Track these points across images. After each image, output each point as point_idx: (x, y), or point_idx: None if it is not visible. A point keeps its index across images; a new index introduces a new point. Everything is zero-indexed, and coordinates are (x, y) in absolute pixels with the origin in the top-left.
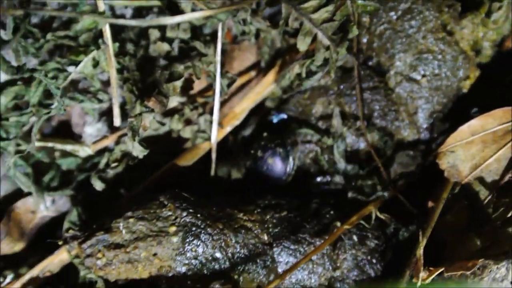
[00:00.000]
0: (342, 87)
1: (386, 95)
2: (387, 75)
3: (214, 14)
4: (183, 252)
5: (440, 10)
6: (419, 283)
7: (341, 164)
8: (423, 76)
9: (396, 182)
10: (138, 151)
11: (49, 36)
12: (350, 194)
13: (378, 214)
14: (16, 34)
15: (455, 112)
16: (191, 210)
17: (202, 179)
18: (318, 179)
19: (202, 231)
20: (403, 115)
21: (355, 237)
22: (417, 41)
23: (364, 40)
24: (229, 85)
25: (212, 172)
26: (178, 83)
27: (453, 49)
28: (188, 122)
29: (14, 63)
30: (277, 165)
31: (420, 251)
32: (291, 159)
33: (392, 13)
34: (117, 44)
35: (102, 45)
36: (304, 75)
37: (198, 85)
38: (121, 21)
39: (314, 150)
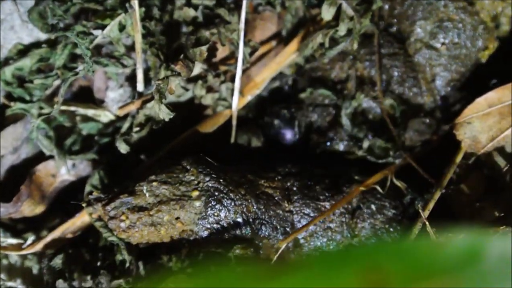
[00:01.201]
0: (361, 52)
1: (405, 61)
2: (407, 42)
3: None
4: (205, 216)
5: None
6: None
7: (347, 126)
8: (443, 44)
9: (412, 149)
10: (165, 114)
11: None
12: (360, 153)
13: (394, 179)
14: None
15: (473, 83)
16: (213, 175)
17: (222, 146)
18: (336, 142)
19: (225, 196)
20: (421, 82)
21: (373, 206)
22: (438, 9)
23: (386, 7)
24: (251, 54)
25: (232, 139)
26: (205, 48)
27: (473, 19)
28: (209, 89)
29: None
30: (283, 127)
31: (425, 215)
32: (296, 121)
33: None
34: (143, 9)
35: (129, 9)
36: (327, 44)
37: (220, 53)
38: None
39: (331, 113)
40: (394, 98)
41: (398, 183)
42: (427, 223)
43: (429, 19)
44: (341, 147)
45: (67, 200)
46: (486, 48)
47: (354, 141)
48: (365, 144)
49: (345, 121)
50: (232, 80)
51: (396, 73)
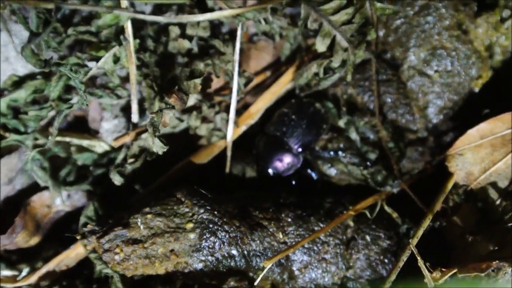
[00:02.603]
0: (355, 77)
1: (399, 88)
2: (401, 69)
3: (242, 12)
4: (200, 248)
5: (456, 8)
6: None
7: (357, 142)
8: (436, 71)
9: (407, 177)
10: (158, 147)
11: (70, 31)
12: (364, 172)
13: (385, 206)
14: (43, 29)
15: (466, 111)
16: (208, 207)
17: (216, 177)
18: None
19: (219, 228)
20: (414, 109)
21: (367, 237)
22: (432, 37)
23: (381, 34)
24: (246, 84)
25: (227, 170)
26: (199, 81)
27: (467, 48)
28: (204, 120)
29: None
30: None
31: (413, 242)
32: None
33: (409, 9)
34: (137, 41)
35: (123, 41)
36: (321, 75)
37: (215, 84)
38: (145, 17)
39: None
40: (389, 128)
41: (388, 210)
42: (415, 250)
43: (423, 46)
44: (333, 172)
45: (62, 230)
46: (480, 77)
47: (359, 161)
48: (370, 169)
49: (355, 136)
50: (227, 110)
51: (389, 100)
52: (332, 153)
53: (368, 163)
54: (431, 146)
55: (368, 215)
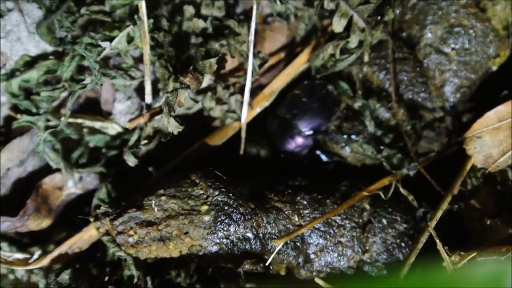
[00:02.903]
0: (372, 55)
1: (415, 66)
2: (417, 47)
3: None
4: (214, 231)
5: None
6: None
7: (371, 128)
8: (453, 49)
9: (424, 158)
10: (174, 127)
11: (83, 10)
12: (379, 156)
13: (400, 188)
14: (57, 7)
15: (483, 93)
16: (223, 189)
17: (231, 159)
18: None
19: (234, 211)
20: (430, 88)
21: (384, 221)
22: (449, 15)
23: (397, 12)
24: (260, 66)
25: (241, 152)
26: (214, 61)
27: (484, 25)
28: (218, 101)
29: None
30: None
31: (432, 225)
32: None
33: None
34: (151, 20)
35: (137, 20)
36: (338, 56)
37: (229, 65)
38: None
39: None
40: (405, 108)
41: (404, 191)
42: (433, 233)
43: (440, 24)
44: (347, 151)
45: (74, 213)
46: (497, 56)
47: (373, 144)
48: (385, 152)
49: (369, 121)
50: (241, 92)
51: (405, 78)
52: (345, 136)
53: (382, 146)
54: (448, 125)
55: (383, 196)
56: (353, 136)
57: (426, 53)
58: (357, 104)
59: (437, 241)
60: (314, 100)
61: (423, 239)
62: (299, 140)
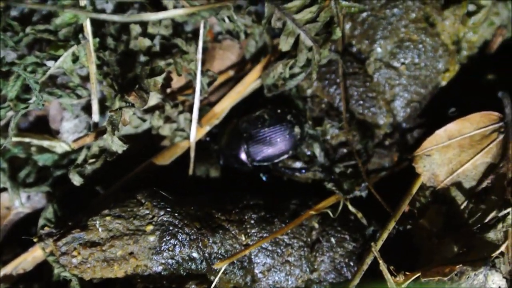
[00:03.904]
0: (322, 70)
1: (365, 81)
2: (367, 62)
3: (197, 11)
4: (159, 251)
5: (423, 1)
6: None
7: (321, 158)
8: (403, 63)
9: (373, 173)
10: (118, 146)
11: (28, 29)
12: (329, 186)
13: (349, 205)
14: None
15: (433, 108)
16: (168, 209)
17: (179, 178)
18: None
19: (180, 231)
20: (380, 103)
21: (333, 239)
22: (398, 29)
23: (347, 27)
24: (209, 84)
25: (190, 171)
26: (159, 79)
27: (434, 40)
28: (167, 119)
29: None
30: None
31: (377, 246)
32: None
33: (376, 1)
34: (97, 39)
35: (82, 40)
36: (287, 75)
37: (177, 83)
38: (103, 16)
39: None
40: (356, 127)
41: (353, 209)
42: (377, 254)
43: (389, 39)
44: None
45: (22, 233)
46: (447, 71)
47: (324, 175)
48: (334, 182)
49: (319, 153)
50: (190, 110)
51: (355, 93)
52: (290, 172)
53: (332, 176)
54: (398, 141)
55: (331, 214)
56: (301, 172)
57: (376, 68)
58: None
59: (381, 262)
60: (277, 134)
61: (368, 261)
62: (240, 161)
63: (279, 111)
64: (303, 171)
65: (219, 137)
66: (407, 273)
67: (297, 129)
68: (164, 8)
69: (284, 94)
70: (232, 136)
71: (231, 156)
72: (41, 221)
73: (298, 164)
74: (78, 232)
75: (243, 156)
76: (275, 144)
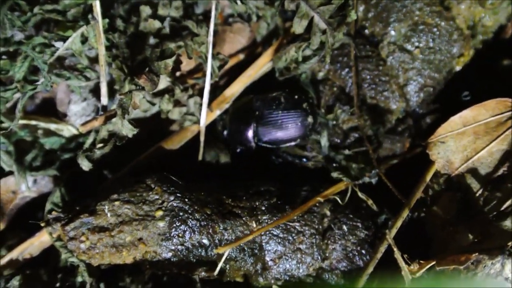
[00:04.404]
0: (334, 53)
1: (378, 65)
2: (380, 45)
3: None
4: (169, 237)
5: None
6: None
7: (325, 149)
8: (417, 47)
9: (386, 161)
10: (128, 130)
11: (36, 9)
12: (335, 175)
13: (358, 192)
14: (2, 6)
15: (447, 94)
16: (178, 194)
17: (188, 163)
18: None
19: (190, 217)
20: (393, 87)
21: (344, 227)
22: (413, 12)
23: (360, 9)
24: (220, 67)
25: (200, 156)
26: (170, 62)
27: (448, 24)
28: (177, 103)
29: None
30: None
31: (391, 234)
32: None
33: None
34: (106, 20)
35: (91, 20)
36: (300, 58)
37: (187, 66)
38: None
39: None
40: (368, 112)
41: (362, 196)
42: (392, 242)
43: (404, 22)
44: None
45: (28, 217)
46: (462, 55)
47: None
48: (340, 171)
49: (324, 142)
50: (201, 94)
51: (368, 77)
52: (291, 159)
53: (335, 164)
54: (410, 126)
55: (339, 201)
56: (304, 160)
57: (390, 51)
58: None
59: (395, 250)
60: (289, 119)
61: (382, 249)
62: (249, 141)
63: (296, 97)
64: (305, 159)
65: (230, 109)
66: (421, 261)
67: (310, 119)
68: None
69: (295, 77)
70: (243, 112)
71: (238, 131)
72: (48, 206)
73: (301, 151)
74: (86, 216)
75: (250, 133)
76: (285, 129)
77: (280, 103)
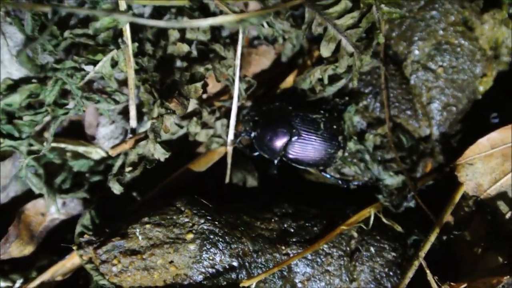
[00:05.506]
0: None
1: (401, 83)
2: (404, 64)
3: (246, 18)
4: (200, 260)
5: (462, 5)
6: None
7: (375, 171)
8: (440, 66)
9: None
10: (160, 154)
11: (66, 33)
12: (382, 200)
13: (382, 218)
14: (39, 32)
15: (470, 114)
16: (208, 217)
17: (215, 185)
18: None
19: (220, 239)
20: (416, 105)
21: (372, 249)
22: (436, 32)
23: (384, 28)
24: (246, 90)
25: (227, 179)
26: (200, 85)
27: (472, 44)
28: (204, 125)
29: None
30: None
31: (423, 252)
32: None
33: (414, 3)
34: (136, 44)
35: (121, 44)
36: (326, 81)
37: (213, 88)
38: (143, 21)
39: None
40: (399, 134)
41: (386, 221)
42: (424, 263)
43: (427, 41)
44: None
45: (57, 239)
46: (484, 76)
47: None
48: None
49: (372, 165)
50: (227, 116)
51: (391, 95)
52: (341, 182)
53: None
54: (434, 146)
55: (364, 227)
56: (350, 184)
57: (413, 70)
58: (354, 148)
59: (428, 271)
60: (322, 146)
61: (410, 274)
62: (275, 155)
63: (334, 127)
64: (352, 184)
65: (263, 112)
66: (452, 283)
67: (340, 153)
68: (206, 13)
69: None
70: (280, 123)
71: (269, 139)
72: (78, 228)
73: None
74: (118, 240)
75: (279, 146)
76: (315, 154)
77: (319, 128)
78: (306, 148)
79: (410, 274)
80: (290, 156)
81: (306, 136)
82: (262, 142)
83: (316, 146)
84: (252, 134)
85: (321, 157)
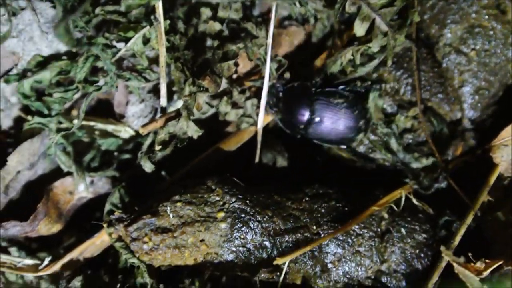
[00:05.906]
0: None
1: (433, 66)
2: (436, 47)
3: None
4: (231, 239)
5: None
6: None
7: (401, 155)
8: (473, 49)
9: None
10: (193, 131)
11: (98, 10)
12: (411, 183)
13: (413, 199)
14: (71, 7)
15: (503, 98)
16: (240, 196)
17: (246, 164)
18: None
19: (251, 218)
20: (448, 89)
21: (403, 230)
22: (469, 15)
23: None
24: (277, 69)
25: (257, 159)
26: (232, 63)
27: (504, 27)
28: (233, 105)
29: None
30: None
31: (459, 236)
32: None
33: None
34: (168, 22)
35: (154, 21)
36: (358, 61)
37: (243, 68)
38: None
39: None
40: (431, 117)
41: (417, 203)
42: (450, 258)
43: (460, 24)
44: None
45: (83, 218)
46: None
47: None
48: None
49: (398, 149)
50: (257, 96)
51: (422, 78)
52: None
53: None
54: (465, 129)
55: (395, 208)
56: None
57: (445, 53)
58: (381, 130)
59: (455, 265)
60: (342, 127)
61: (443, 264)
62: (296, 127)
63: (356, 110)
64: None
65: (289, 86)
66: (487, 260)
67: (361, 135)
68: None
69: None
70: (302, 102)
71: (290, 116)
72: (108, 206)
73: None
74: (149, 217)
75: (298, 122)
76: (333, 137)
77: (340, 111)
78: (325, 129)
79: (443, 265)
80: (310, 136)
81: (326, 118)
82: (284, 118)
83: (336, 129)
84: (273, 110)
85: (341, 138)
